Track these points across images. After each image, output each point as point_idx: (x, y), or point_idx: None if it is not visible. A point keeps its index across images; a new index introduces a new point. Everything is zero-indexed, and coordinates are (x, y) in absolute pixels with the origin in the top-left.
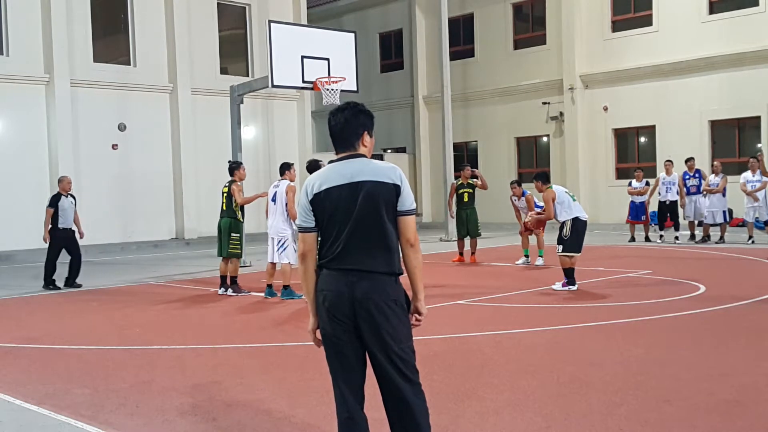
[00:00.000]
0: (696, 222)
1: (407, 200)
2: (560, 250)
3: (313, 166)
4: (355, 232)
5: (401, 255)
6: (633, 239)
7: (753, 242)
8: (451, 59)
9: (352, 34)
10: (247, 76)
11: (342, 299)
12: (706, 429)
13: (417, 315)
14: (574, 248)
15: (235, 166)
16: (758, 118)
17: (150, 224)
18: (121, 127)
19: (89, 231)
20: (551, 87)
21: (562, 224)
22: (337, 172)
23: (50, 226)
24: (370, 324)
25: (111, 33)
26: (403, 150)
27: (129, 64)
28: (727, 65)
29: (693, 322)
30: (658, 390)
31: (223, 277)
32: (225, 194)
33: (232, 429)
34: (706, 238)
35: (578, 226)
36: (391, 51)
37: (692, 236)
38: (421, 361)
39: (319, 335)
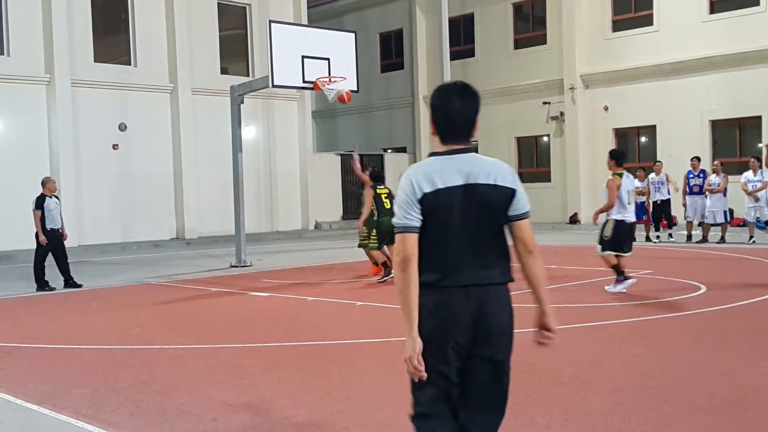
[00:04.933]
0: (696, 222)
1: (522, 202)
2: (599, 250)
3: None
4: (471, 242)
5: (522, 264)
6: (634, 239)
7: (754, 242)
8: (451, 59)
9: (353, 34)
10: (248, 76)
11: (461, 318)
12: (705, 429)
13: (547, 332)
14: (614, 248)
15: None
16: (759, 117)
17: (150, 224)
18: (122, 127)
19: (90, 231)
20: (552, 87)
21: (605, 222)
22: (452, 170)
23: (41, 227)
24: (487, 347)
25: (111, 33)
26: (403, 150)
27: (129, 64)
28: (728, 65)
29: (693, 322)
30: (658, 390)
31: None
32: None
33: (232, 429)
34: (705, 239)
35: (622, 228)
36: (392, 51)
37: (689, 237)
38: None
39: (419, 356)
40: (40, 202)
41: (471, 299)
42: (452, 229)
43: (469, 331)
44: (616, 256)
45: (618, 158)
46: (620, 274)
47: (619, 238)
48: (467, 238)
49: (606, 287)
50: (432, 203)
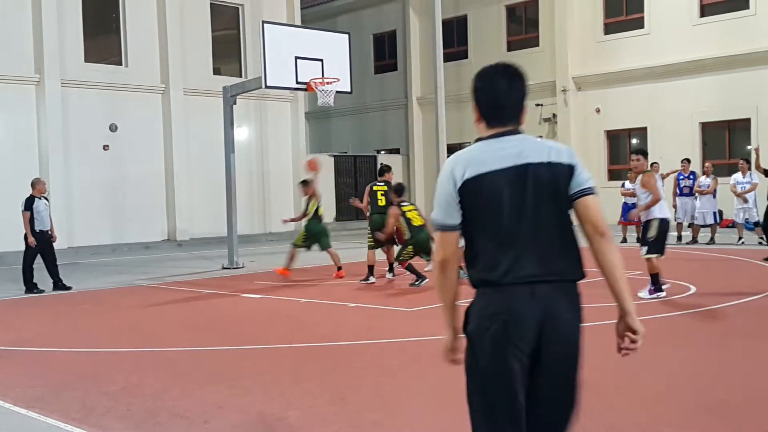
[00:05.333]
0: (686, 223)
1: (583, 176)
2: (645, 253)
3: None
4: (530, 231)
5: (593, 250)
6: (625, 240)
7: (743, 243)
8: (444, 61)
9: (346, 35)
10: (241, 76)
11: (525, 322)
12: (697, 429)
13: (631, 334)
14: (660, 249)
15: (386, 169)
16: (748, 120)
17: (142, 225)
18: (113, 128)
19: (80, 232)
20: (544, 89)
21: (648, 223)
22: (494, 153)
23: (29, 227)
24: (556, 358)
25: (102, 33)
26: (396, 151)
27: (121, 64)
28: (718, 68)
29: (683, 322)
30: (650, 390)
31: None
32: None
33: (224, 431)
34: (695, 240)
35: (665, 226)
36: (385, 52)
37: (679, 238)
38: (417, 362)
39: (458, 354)
40: (29, 204)
41: (536, 299)
42: (505, 217)
43: (534, 338)
44: (656, 259)
45: (645, 154)
46: (657, 283)
47: (663, 239)
48: (525, 227)
49: (639, 293)
50: (476, 191)
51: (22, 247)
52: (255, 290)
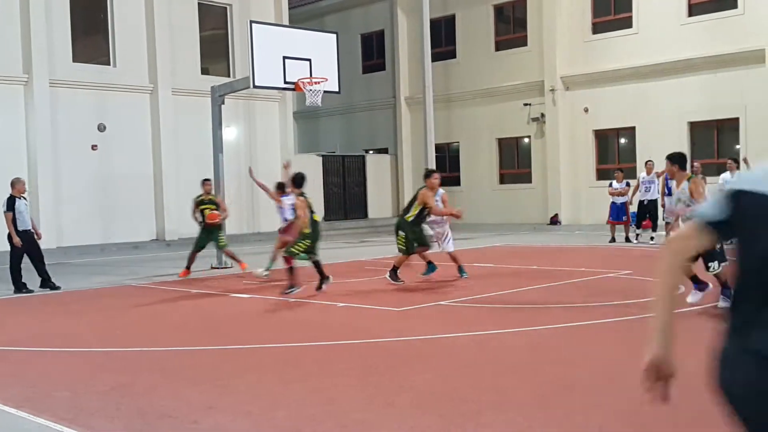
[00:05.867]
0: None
1: None
2: (716, 268)
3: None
4: None
5: None
6: (613, 240)
7: (732, 242)
8: (432, 60)
9: (334, 35)
10: (229, 76)
11: (746, 403)
12: (688, 429)
13: None
14: (724, 258)
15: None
16: (737, 119)
17: (130, 225)
18: (101, 128)
19: (68, 232)
20: (532, 88)
21: None
22: None
23: (13, 228)
24: None
25: (90, 33)
26: (385, 151)
27: (109, 64)
28: (706, 67)
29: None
30: (640, 390)
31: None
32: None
33: (212, 431)
34: None
35: None
36: (373, 52)
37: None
38: (405, 362)
39: (663, 369)
40: (11, 204)
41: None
42: (756, 258)
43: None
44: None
45: (681, 161)
46: (727, 288)
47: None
48: None
49: (688, 298)
50: (747, 208)
51: (6, 247)
52: (244, 290)
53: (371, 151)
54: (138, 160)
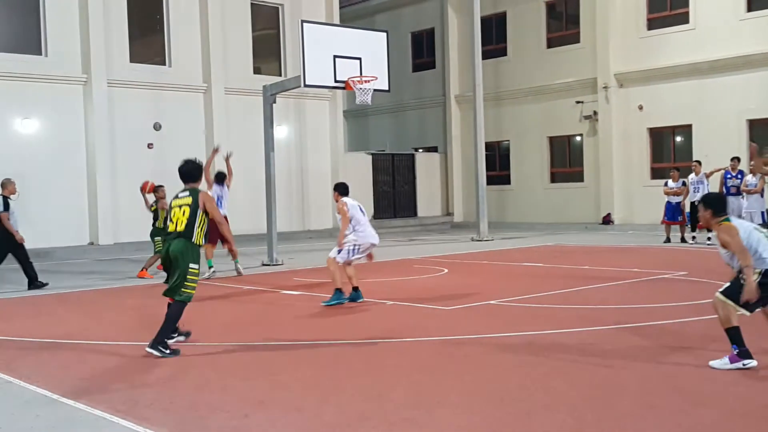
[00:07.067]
0: None
1: None
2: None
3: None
4: None
5: None
6: (668, 240)
7: None
8: (483, 58)
9: (384, 34)
10: (280, 75)
11: None
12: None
13: None
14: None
15: None
16: None
17: None
18: (157, 127)
19: (125, 229)
20: (585, 86)
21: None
22: None
23: (9, 225)
24: None
25: (147, 34)
26: (434, 149)
27: (164, 65)
28: (766, 63)
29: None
30: (693, 393)
31: None
32: None
33: (263, 425)
34: None
35: None
36: (423, 50)
37: None
38: (453, 360)
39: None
40: (6, 205)
41: None
42: None
43: None
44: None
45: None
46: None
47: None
48: None
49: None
50: None
51: (69, 243)
52: (294, 287)
53: (421, 150)
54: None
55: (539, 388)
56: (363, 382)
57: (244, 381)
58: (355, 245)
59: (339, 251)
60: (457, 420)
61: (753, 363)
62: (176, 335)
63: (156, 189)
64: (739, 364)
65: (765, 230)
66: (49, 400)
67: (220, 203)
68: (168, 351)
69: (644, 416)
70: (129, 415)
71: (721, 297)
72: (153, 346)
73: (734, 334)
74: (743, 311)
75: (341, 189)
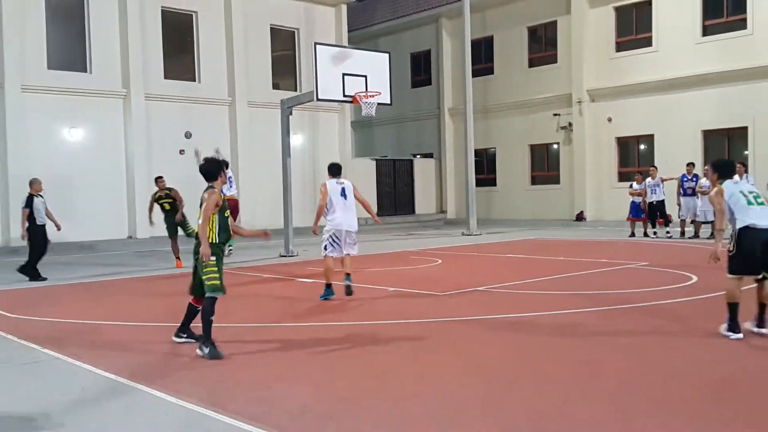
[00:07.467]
0: (689, 220)
1: None
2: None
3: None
4: None
5: None
6: (633, 234)
7: None
8: (473, 76)
9: (387, 54)
10: (296, 90)
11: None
12: (690, 412)
13: None
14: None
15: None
16: (745, 128)
17: None
18: (187, 135)
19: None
20: (561, 100)
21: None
22: None
23: (27, 224)
24: None
25: (179, 54)
26: (430, 156)
27: (194, 81)
28: (719, 81)
29: (685, 307)
30: (666, 368)
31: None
32: None
33: (284, 396)
34: (696, 235)
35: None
36: (421, 69)
37: (682, 233)
38: (449, 341)
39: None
40: (29, 202)
41: None
42: None
43: None
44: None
45: (721, 170)
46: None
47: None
48: None
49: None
50: None
51: (111, 236)
52: (308, 275)
53: (418, 156)
54: None
55: (524, 362)
56: (369, 360)
57: (264, 358)
58: (329, 237)
59: (324, 247)
60: (458, 392)
61: (738, 336)
62: (185, 336)
63: (156, 180)
64: (730, 334)
65: (751, 195)
66: (93, 374)
67: (231, 184)
68: (207, 350)
69: (621, 390)
70: (162, 386)
71: (727, 274)
72: (199, 346)
73: (731, 310)
74: (752, 276)
75: (330, 169)
